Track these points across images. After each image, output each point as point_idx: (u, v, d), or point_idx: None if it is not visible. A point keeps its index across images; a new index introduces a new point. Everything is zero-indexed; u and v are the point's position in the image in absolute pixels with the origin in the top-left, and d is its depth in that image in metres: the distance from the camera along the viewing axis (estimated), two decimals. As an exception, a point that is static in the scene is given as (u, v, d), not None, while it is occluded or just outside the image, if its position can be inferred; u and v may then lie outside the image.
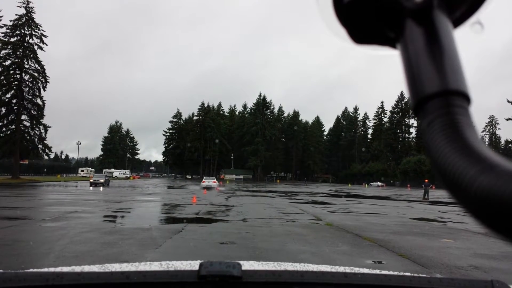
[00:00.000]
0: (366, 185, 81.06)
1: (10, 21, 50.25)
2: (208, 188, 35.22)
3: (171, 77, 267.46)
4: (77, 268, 1.09)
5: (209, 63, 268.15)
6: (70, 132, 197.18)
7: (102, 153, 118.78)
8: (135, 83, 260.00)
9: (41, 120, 51.52)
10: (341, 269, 1.18)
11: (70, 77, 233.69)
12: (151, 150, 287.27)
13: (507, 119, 44.54)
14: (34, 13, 51.67)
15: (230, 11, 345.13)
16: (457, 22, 0.40)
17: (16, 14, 50.73)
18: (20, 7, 51.02)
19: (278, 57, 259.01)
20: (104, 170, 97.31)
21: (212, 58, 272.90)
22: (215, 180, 38.24)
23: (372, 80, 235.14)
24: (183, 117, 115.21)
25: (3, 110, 49.05)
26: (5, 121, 49.27)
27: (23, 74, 49.89)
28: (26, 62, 50.20)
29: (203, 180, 38.21)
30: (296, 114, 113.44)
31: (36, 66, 51.22)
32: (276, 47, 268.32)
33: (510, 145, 78.34)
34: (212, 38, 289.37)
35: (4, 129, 49.22)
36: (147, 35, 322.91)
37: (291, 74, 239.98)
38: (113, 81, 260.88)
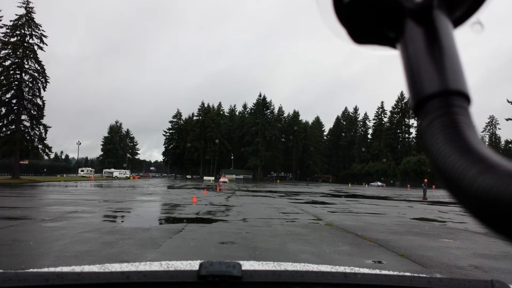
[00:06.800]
0: (366, 185, 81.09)
1: (10, 21, 50.31)
2: (223, 182, 62.59)
3: (177, 78, 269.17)
4: (77, 268, 1.09)
5: (217, 64, 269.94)
6: (73, 132, 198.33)
7: (102, 153, 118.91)
8: (140, 83, 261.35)
9: (41, 120, 51.51)
10: (341, 269, 1.18)
11: (75, 77, 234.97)
12: (153, 150, 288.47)
13: (507, 119, 44.58)
14: (34, 13, 51.72)
15: (240, 13, 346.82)
16: (457, 22, 0.40)
17: (16, 14, 50.79)
18: (20, 7, 51.07)
19: (286, 58, 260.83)
20: (104, 170, 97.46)
21: (220, 59, 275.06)
22: (227, 179, 72.22)
23: (376, 81, 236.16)
24: (183, 117, 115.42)
25: (3, 110, 49.04)
26: (5, 121, 49.25)
27: (23, 74, 49.88)
28: (26, 62, 50.19)
29: (220, 178, 70.03)
30: (296, 114, 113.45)
31: (36, 66, 51.23)
32: (283, 48, 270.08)
33: (510, 145, 78.34)
34: (221, 40, 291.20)
35: (4, 129, 49.20)
36: (155, 37, 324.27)
37: (299, 75, 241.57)
38: (118, 82, 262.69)
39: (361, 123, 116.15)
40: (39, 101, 51.22)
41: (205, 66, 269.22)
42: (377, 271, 1.08)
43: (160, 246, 7.51)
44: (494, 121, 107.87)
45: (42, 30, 52.12)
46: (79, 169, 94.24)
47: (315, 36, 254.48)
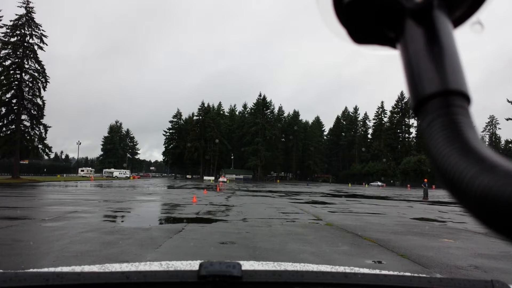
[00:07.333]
0: (366, 185, 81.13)
1: (10, 21, 50.33)
2: (222, 182, 65.87)
3: (177, 78, 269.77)
4: (77, 268, 1.09)
5: (217, 64, 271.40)
6: (73, 132, 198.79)
7: (102, 153, 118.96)
8: (140, 83, 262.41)
9: (41, 120, 51.54)
10: (341, 269, 1.18)
11: (75, 77, 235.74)
12: (153, 150, 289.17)
13: (507, 119, 44.56)
14: (34, 13, 51.74)
15: (241, 13, 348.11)
16: (457, 22, 0.40)
17: (16, 14, 50.80)
18: (20, 7, 51.09)
19: (286, 58, 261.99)
20: (104, 170, 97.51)
21: (221, 59, 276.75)
22: (226, 178, 75.10)
23: (377, 80, 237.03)
24: (183, 117, 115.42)
25: (3, 110, 49.05)
26: (5, 121, 49.26)
27: (23, 74, 49.89)
28: (26, 62, 50.21)
29: (219, 178, 72.31)
30: (296, 114, 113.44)
31: (36, 66, 51.26)
32: (283, 49, 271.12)
33: (510, 145, 78.34)
34: (221, 40, 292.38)
35: (4, 129, 49.21)
36: (155, 37, 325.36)
37: (300, 75, 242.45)
38: (118, 82, 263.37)
39: (361, 123, 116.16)
40: (39, 101, 51.24)
41: (205, 66, 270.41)
42: (377, 271, 1.08)
43: (160, 246, 7.51)
44: (494, 121, 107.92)
45: (42, 30, 52.17)
46: (79, 169, 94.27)
47: (316, 36, 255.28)
